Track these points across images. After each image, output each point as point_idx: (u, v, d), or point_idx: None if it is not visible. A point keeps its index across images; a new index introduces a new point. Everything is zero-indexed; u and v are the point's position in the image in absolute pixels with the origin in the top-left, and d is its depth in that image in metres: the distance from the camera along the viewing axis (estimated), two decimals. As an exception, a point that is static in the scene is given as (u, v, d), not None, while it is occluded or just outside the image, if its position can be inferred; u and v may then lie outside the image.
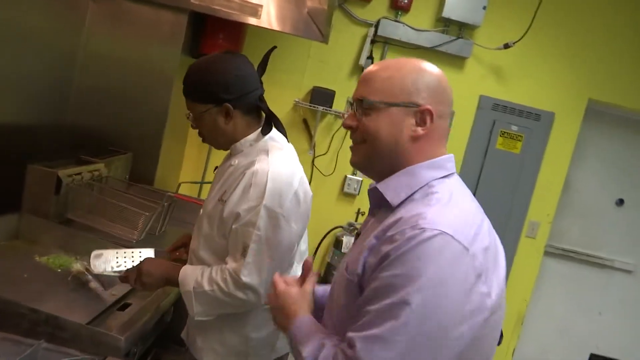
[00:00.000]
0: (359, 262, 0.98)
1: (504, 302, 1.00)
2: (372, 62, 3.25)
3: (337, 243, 3.26)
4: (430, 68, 1.06)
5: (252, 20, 2.58)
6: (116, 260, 1.62)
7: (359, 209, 3.40)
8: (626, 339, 3.73)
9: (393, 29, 3.20)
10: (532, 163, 3.40)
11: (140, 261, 1.52)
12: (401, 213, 0.97)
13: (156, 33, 2.60)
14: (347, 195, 3.40)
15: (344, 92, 3.28)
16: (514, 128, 3.37)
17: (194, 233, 1.58)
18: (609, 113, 3.53)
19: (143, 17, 2.60)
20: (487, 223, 1.02)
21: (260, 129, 1.50)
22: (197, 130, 1.52)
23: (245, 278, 1.35)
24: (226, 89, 1.42)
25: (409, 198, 1.00)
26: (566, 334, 3.74)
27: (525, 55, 3.31)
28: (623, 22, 3.32)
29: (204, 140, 1.55)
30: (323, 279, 3.06)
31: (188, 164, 3.30)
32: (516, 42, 3.16)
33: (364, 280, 0.96)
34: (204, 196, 3.11)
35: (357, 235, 1.17)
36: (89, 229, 1.92)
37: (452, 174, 1.05)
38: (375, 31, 3.21)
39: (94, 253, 1.61)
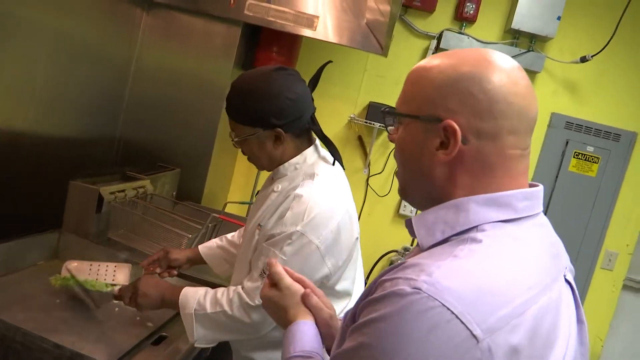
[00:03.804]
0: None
1: None
2: (433, 77, 3.06)
3: (392, 268, 3.06)
4: (479, 64, 0.73)
5: (307, 32, 2.46)
6: (88, 273, 1.54)
7: (415, 233, 3.18)
8: None
9: (457, 42, 2.99)
10: (610, 187, 3.08)
11: (137, 279, 1.40)
12: (418, 256, 0.70)
13: (209, 46, 2.53)
14: (403, 218, 3.19)
15: (403, 108, 3.10)
16: (590, 149, 3.07)
17: (237, 264, 1.45)
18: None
19: (196, 30, 2.53)
20: (544, 304, 0.67)
21: (306, 151, 1.36)
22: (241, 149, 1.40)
23: (257, 301, 1.20)
24: (278, 113, 1.29)
25: (445, 241, 0.72)
26: (646, 378, 3.36)
27: (603, 69, 3.01)
28: None
29: (248, 160, 1.42)
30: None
31: (237, 181, 3.20)
32: (594, 55, 2.88)
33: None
34: (253, 214, 2.99)
35: None
36: (129, 250, 1.82)
37: (525, 218, 0.73)
38: (438, 44, 3.02)
39: (67, 263, 1.54)
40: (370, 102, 3.08)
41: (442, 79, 0.73)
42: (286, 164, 1.36)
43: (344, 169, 1.46)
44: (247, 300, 1.24)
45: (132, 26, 2.47)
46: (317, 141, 1.42)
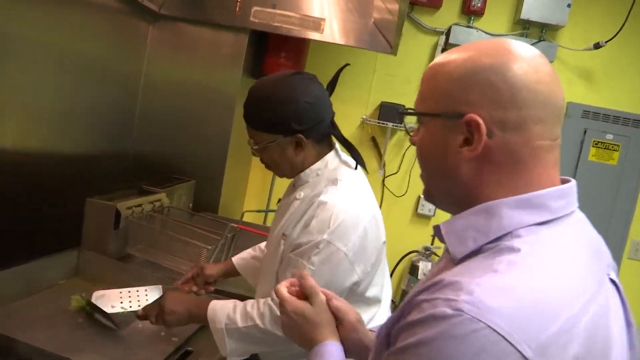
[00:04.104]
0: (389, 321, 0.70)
1: None
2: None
3: (413, 269, 3.01)
4: (498, 54, 0.69)
5: (314, 35, 2.44)
6: (120, 301, 1.48)
7: (435, 232, 3.14)
8: None
9: (466, 36, 2.95)
10: (632, 175, 3.02)
11: (161, 297, 1.37)
12: (454, 272, 0.64)
13: (217, 55, 2.52)
14: (421, 217, 3.15)
15: (415, 106, 3.07)
16: (609, 137, 3.00)
17: (263, 274, 1.42)
18: None
19: (203, 40, 2.52)
20: (594, 312, 0.62)
21: (327, 156, 1.33)
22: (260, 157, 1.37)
23: None
24: (298, 118, 1.25)
25: (479, 250, 0.67)
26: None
27: (617, 55, 2.95)
28: None
29: (267, 167, 1.39)
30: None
31: (253, 188, 3.18)
32: (608, 40, 2.82)
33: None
34: (269, 223, 2.96)
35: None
36: (149, 264, 1.80)
37: (562, 218, 0.68)
38: (447, 39, 2.98)
39: (95, 294, 1.49)
40: (381, 102, 3.04)
41: (460, 72, 0.69)
42: (308, 171, 1.32)
43: (367, 173, 1.42)
44: (279, 313, 1.21)
45: (139, 40, 2.46)
46: (337, 145, 1.39)
